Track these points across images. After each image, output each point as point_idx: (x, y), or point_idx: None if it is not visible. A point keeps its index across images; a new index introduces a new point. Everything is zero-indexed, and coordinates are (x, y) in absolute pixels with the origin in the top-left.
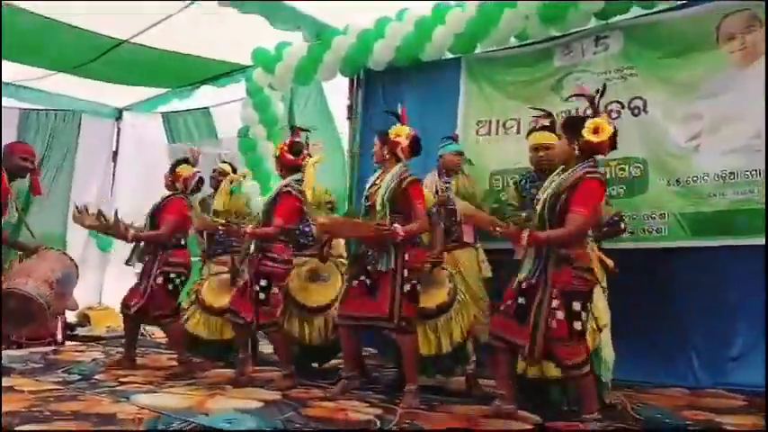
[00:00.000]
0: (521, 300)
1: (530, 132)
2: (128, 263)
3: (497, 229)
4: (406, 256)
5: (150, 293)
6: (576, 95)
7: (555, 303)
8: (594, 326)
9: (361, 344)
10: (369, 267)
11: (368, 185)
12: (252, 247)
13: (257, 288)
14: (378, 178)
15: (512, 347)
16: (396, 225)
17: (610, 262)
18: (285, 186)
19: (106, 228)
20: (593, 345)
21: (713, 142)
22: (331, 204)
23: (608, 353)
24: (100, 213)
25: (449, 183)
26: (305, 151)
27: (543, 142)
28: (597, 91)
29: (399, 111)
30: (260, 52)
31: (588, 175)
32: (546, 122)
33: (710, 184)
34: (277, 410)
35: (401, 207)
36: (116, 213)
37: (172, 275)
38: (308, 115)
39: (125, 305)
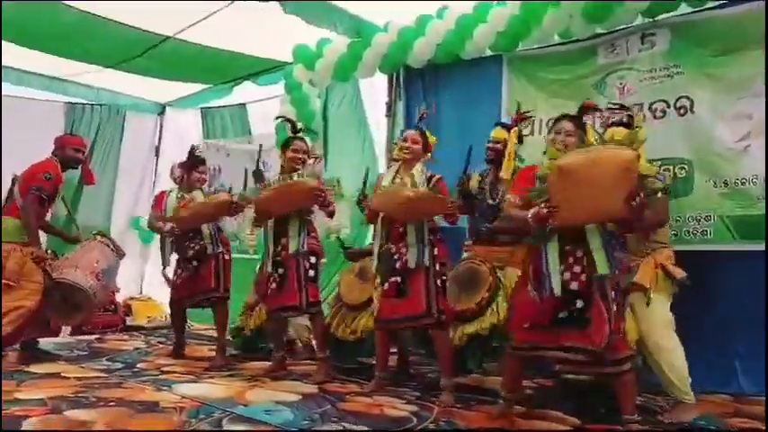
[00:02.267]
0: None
1: (607, 127)
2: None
3: None
4: (435, 251)
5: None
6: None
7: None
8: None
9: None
10: (397, 266)
11: (384, 183)
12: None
13: (307, 265)
14: (396, 176)
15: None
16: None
17: (677, 272)
18: None
19: None
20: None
21: (763, 143)
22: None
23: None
24: None
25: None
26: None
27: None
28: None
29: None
30: (300, 49)
31: None
32: (622, 117)
33: (759, 186)
34: (314, 404)
35: None
36: None
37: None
38: (342, 113)
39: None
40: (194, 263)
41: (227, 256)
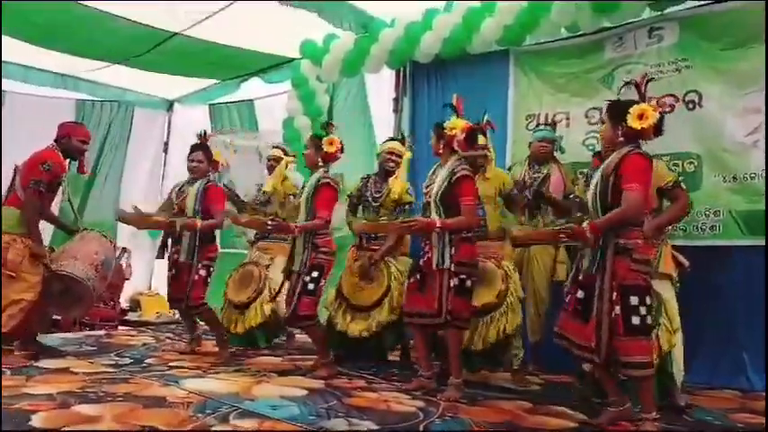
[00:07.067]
0: (580, 294)
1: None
2: (159, 257)
3: (561, 236)
4: (452, 251)
5: (193, 284)
6: (624, 84)
7: (613, 297)
8: (669, 327)
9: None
10: (421, 262)
11: (426, 181)
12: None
13: (307, 279)
14: (434, 173)
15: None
16: (434, 217)
17: (684, 260)
18: (324, 178)
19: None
20: (668, 346)
21: None
22: (411, 205)
23: (679, 354)
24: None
25: (538, 173)
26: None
27: None
28: (644, 77)
29: (454, 102)
30: (308, 45)
31: (632, 153)
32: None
33: None
34: (321, 399)
35: (452, 202)
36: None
37: (211, 268)
38: (347, 109)
39: (175, 300)
40: (172, 270)
41: (201, 272)
